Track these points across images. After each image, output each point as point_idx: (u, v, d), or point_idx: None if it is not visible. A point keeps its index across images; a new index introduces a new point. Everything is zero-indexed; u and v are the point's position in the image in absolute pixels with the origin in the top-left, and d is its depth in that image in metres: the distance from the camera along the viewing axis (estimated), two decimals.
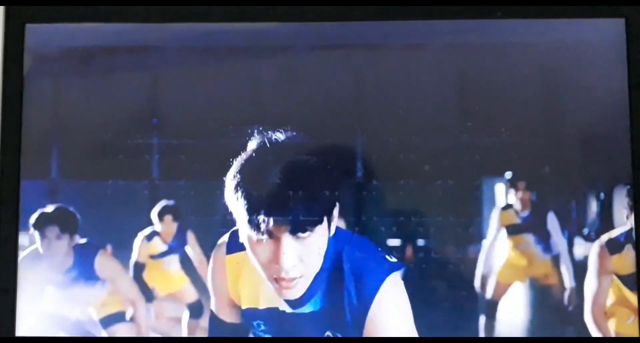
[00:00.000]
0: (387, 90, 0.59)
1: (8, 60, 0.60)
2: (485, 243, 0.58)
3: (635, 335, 0.57)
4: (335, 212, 0.58)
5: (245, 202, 0.57)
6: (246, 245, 0.58)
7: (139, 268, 0.60)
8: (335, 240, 0.58)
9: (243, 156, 0.58)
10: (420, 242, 0.58)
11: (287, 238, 0.56)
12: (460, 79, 0.60)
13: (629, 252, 0.57)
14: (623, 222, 0.57)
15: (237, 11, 0.61)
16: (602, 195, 0.58)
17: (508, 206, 0.59)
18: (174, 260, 0.61)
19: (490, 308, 0.59)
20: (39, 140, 0.60)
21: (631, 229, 0.57)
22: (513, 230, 0.59)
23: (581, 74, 0.59)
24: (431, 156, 0.58)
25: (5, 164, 0.59)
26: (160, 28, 0.61)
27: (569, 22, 0.59)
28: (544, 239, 0.59)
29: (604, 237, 0.57)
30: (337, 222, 0.58)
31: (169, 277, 0.61)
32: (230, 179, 0.58)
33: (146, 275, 0.60)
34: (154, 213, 0.60)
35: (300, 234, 0.57)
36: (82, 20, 0.61)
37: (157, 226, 0.60)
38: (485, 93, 0.59)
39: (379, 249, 0.58)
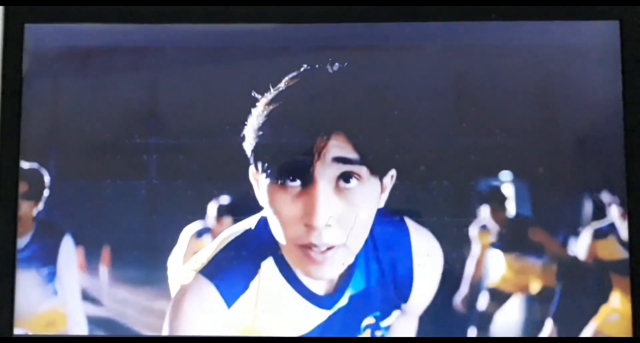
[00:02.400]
0: (383, 91, 0.59)
1: (7, 60, 0.61)
2: (470, 260, 0.58)
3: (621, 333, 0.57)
4: (389, 178, 0.54)
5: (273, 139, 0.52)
6: (266, 201, 0.52)
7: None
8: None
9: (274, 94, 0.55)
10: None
11: (325, 186, 0.51)
12: (455, 80, 0.60)
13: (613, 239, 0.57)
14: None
15: (234, 12, 0.61)
16: (595, 195, 0.58)
17: (484, 227, 0.58)
18: None
19: (485, 314, 0.59)
20: (37, 139, 0.61)
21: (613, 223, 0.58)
22: (494, 247, 0.58)
23: (576, 75, 0.59)
24: (427, 157, 0.59)
25: (3, 163, 0.60)
26: (158, 28, 0.61)
27: (564, 24, 0.59)
28: (528, 251, 0.58)
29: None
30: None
31: None
32: (257, 116, 0.54)
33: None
34: (212, 207, 0.57)
35: (342, 183, 0.51)
36: (81, 20, 0.61)
37: (211, 222, 0.58)
38: (480, 95, 0.59)
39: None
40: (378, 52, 0.60)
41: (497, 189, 0.59)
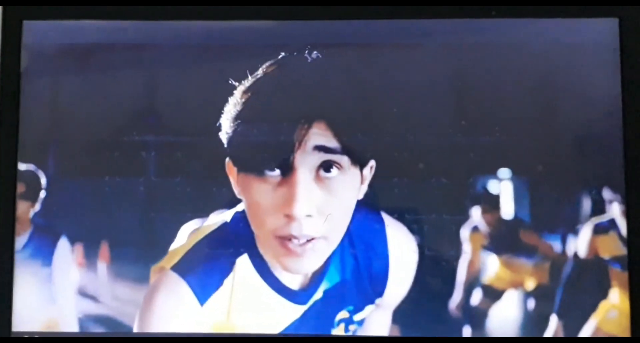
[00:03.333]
0: (382, 88, 0.59)
1: (5, 56, 0.61)
2: (462, 261, 0.58)
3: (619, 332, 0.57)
4: (368, 169, 0.54)
5: (253, 129, 0.52)
6: (244, 193, 0.52)
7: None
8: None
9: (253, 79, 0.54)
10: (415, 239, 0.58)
11: (305, 175, 0.50)
12: (454, 78, 0.60)
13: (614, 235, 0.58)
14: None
15: (233, 10, 0.61)
16: (594, 193, 0.58)
17: (476, 228, 0.58)
18: None
19: (480, 311, 0.59)
20: (36, 136, 0.61)
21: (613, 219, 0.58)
22: (486, 249, 0.58)
23: (575, 73, 0.59)
24: (425, 154, 0.59)
25: (2, 161, 0.60)
26: (157, 26, 0.61)
27: (563, 22, 0.59)
28: (521, 251, 0.58)
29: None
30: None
31: None
32: (234, 104, 0.54)
33: None
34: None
35: (323, 172, 0.50)
36: (80, 17, 0.61)
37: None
38: (479, 92, 0.59)
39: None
40: (377, 49, 0.60)
41: (495, 188, 0.59)
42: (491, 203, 0.58)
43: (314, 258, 0.54)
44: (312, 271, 0.56)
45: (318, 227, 0.52)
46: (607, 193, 0.58)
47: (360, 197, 0.56)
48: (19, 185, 0.60)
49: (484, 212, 0.58)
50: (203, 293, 0.54)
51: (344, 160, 0.55)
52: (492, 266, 0.59)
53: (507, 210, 0.59)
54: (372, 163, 0.56)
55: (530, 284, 0.58)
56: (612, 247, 0.57)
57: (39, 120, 0.61)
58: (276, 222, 0.52)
